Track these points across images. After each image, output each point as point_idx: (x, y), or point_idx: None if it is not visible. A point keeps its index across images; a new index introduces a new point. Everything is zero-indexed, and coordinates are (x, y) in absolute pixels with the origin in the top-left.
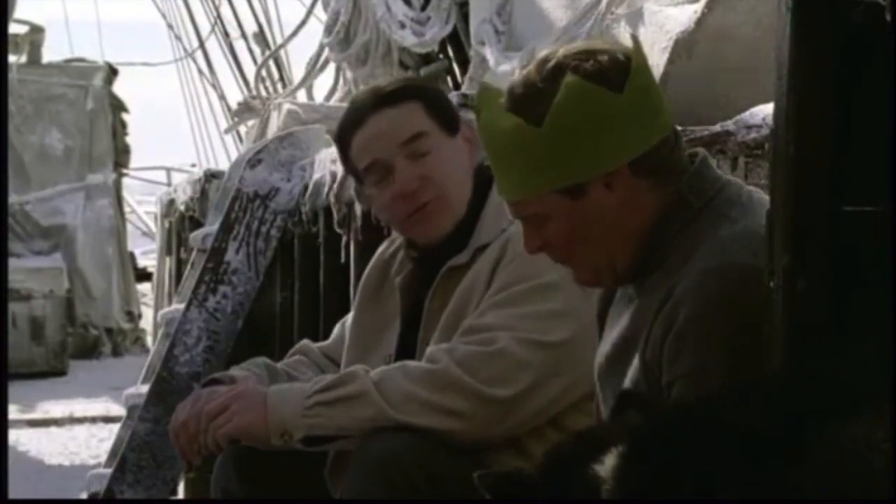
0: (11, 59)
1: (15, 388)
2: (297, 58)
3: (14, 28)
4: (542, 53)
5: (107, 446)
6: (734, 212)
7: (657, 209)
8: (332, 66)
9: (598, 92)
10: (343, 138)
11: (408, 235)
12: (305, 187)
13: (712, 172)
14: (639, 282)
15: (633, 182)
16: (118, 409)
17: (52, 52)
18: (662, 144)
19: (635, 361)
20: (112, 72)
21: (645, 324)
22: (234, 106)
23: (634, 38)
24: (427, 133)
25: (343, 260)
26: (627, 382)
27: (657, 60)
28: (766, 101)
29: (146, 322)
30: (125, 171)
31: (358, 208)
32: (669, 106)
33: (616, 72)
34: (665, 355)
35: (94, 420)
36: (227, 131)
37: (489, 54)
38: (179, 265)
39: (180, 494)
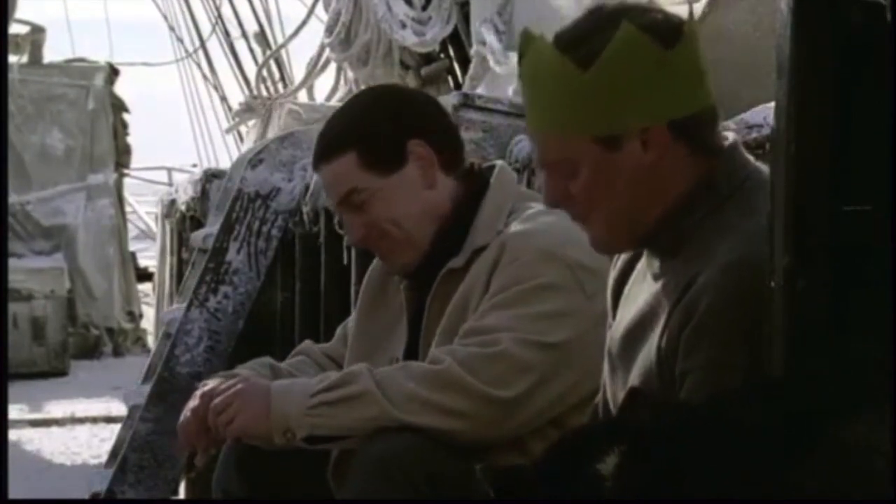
0: (13, 59)
1: (16, 389)
2: (298, 58)
3: (15, 28)
4: (591, 4)
5: (108, 446)
6: (761, 201)
7: (688, 183)
8: (333, 66)
9: (650, 45)
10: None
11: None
12: (306, 187)
13: (742, 156)
14: (659, 263)
15: (670, 145)
16: (119, 409)
17: (53, 53)
18: (704, 114)
19: (649, 348)
20: (113, 72)
21: (663, 310)
22: (235, 106)
23: (690, 6)
24: (357, 188)
25: (344, 260)
26: (639, 367)
27: None
28: (766, 100)
29: (147, 322)
30: (126, 171)
31: None
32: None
33: (669, 30)
34: (681, 346)
35: (95, 420)
36: (228, 131)
37: (490, 54)
38: (180, 265)
39: (181, 494)
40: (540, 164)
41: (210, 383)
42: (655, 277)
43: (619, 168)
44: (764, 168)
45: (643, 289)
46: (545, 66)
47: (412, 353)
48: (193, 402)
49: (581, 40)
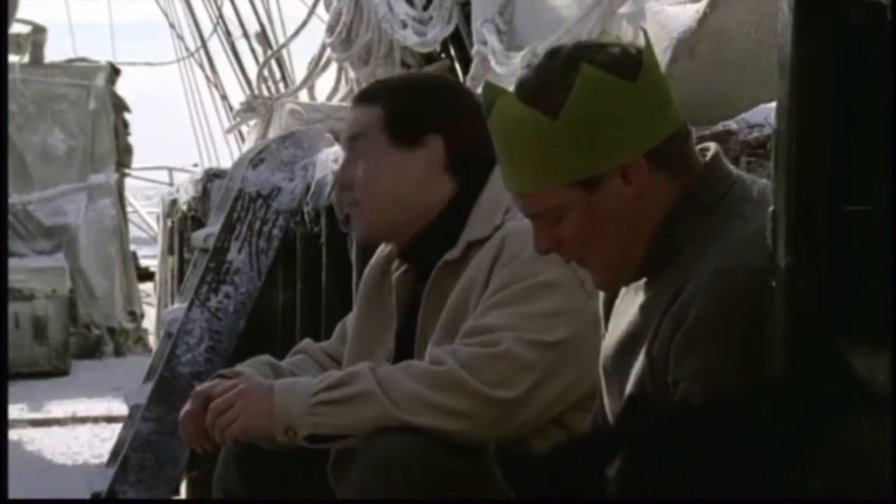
0: (14, 58)
1: (17, 388)
2: (299, 57)
3: (16, 28)
4: (548, 48)
5: (109, 446)
6: (747, 209)
7: (670, 203)
8: (334, 66)
9: (614, 82)
10: None
11: None
12: (307, 187)
13: (723, 168)
14: (649, 276)
15: (649, 174)
16: (120, 409)
17: (54, 53)
18: (675, 137)
19: (641, 357)
20: (114, 71)
21: (653, 319)
22: (236, 105)
23: (644, 32)
24: (366, 136)
25: (345, 259)
26: (633, 378)
27: (659, 60)
28: (768, 100)
29: (148, 322)
30: (127, 170)
31: None
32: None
33: (629, 63)
34: (672, 353)
35: (96, 420)
36: (229, 131)
37: (491, 54)
38: (182, 265)
39: (182, 494)
40: (525, 215)
41: (206, 385)
42: (645, 289)
43: (605, 206)
44: (749, 177)
45: (634, 301)
46: (514, 122)
47: (403, 347)
48: (189, 405)
49: (545, 90)
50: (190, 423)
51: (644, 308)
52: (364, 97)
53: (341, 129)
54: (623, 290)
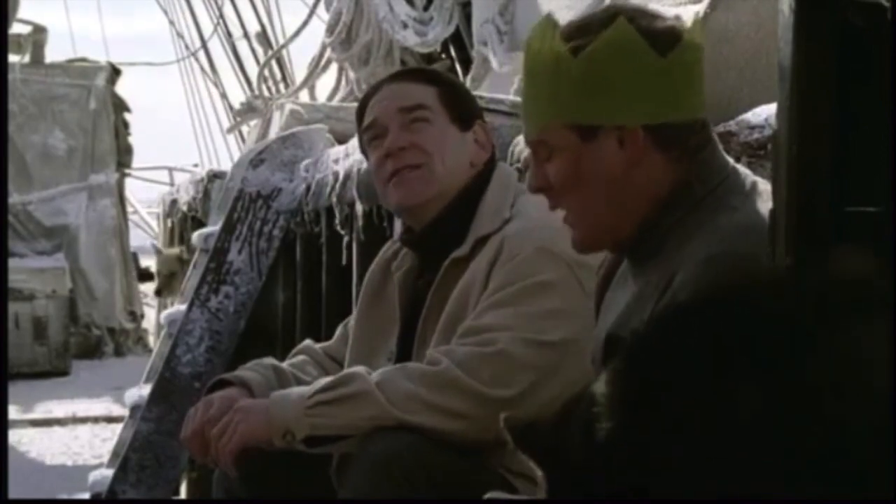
0: (14, 58)
1: (17, 388)
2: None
3: (17, 28)
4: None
5: (109, 446)
6: (735, 201)
7: (665, 187)
8: (334, 66)
9: (642, 48)
10: (361, 106)
11: (388, 200)
12: (308, 187)
13: (719, 160)
14: (636, 266)
15: (646, 149)
16: (120, 410)
17: (54, 53)
18: (686, 126)
19: None
20: (115, 72)
21: (644, 311)
22: (236, 106)
23: (700, 19)
24: (429, 108)
25: (345, 260)
26: None
27: None
28: (768, 101)
29: (148, 322)
30: (128, 170)
31: (360, 208)
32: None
33: (666, 38)
34: None
35: (96, 420)
36: (229, 131)
37: (491, 55)
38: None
39: (182, 495)
40: (526, 143)
41: (201, 406)
42: (635, 280)
43: (595, 160)
44: (744, 171)
45: (624, 292)
46: (543, 52)
47: (405, 346)
48: (189, 424)
49: (580, 31)
50: (194, 441)
51: (634, 299)
52: (413, 75)
53: (341, 129)
54: (612, 283)
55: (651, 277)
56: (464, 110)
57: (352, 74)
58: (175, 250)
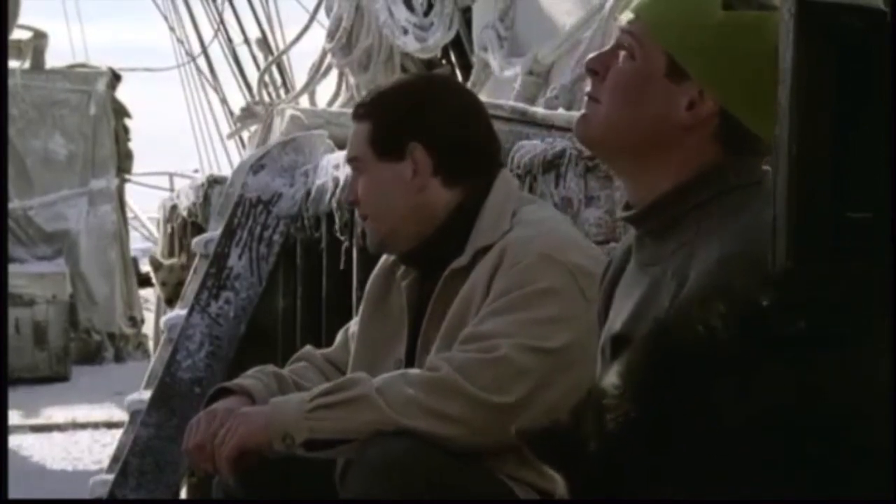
0: (15, 64)
1: (17, 394)
2: (300, 63)
3: (17, 34)
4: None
5: (109, 451)
6: (763, 206)
7: (703, 165)
8: (334, 72)
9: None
10: None
11: None
12: (308, 193)
13: (760, 166)
14: (649, 258)
15: (707, 122)
16: (121, 415)
17: (55, 58)
18: (753, 135)
19: None
20: (115, 77)
21: (660, 302)
22: (236, 111)
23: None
24: (360, 157)
25: (345, 265)
26: None
27: None
28: None
29: (148, 327)
30: (128, 176)
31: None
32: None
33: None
34: None
35: (96, 425)
36: (229, 136)
37: (492, 60)
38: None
39: None
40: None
41: (204, 418)
42: (649, 270)
43: (655, 97)
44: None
45: (636, 287)
46: None
47: (413, 351)
48: (192, 436)
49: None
50: (198, 455)
51: (648, 293)
52: (356, 113)
53: (342, 134)
54: (625, 276)
55: (667, 268)
56: (390, 141)
57: (352, 80)
58: (177, 260)
